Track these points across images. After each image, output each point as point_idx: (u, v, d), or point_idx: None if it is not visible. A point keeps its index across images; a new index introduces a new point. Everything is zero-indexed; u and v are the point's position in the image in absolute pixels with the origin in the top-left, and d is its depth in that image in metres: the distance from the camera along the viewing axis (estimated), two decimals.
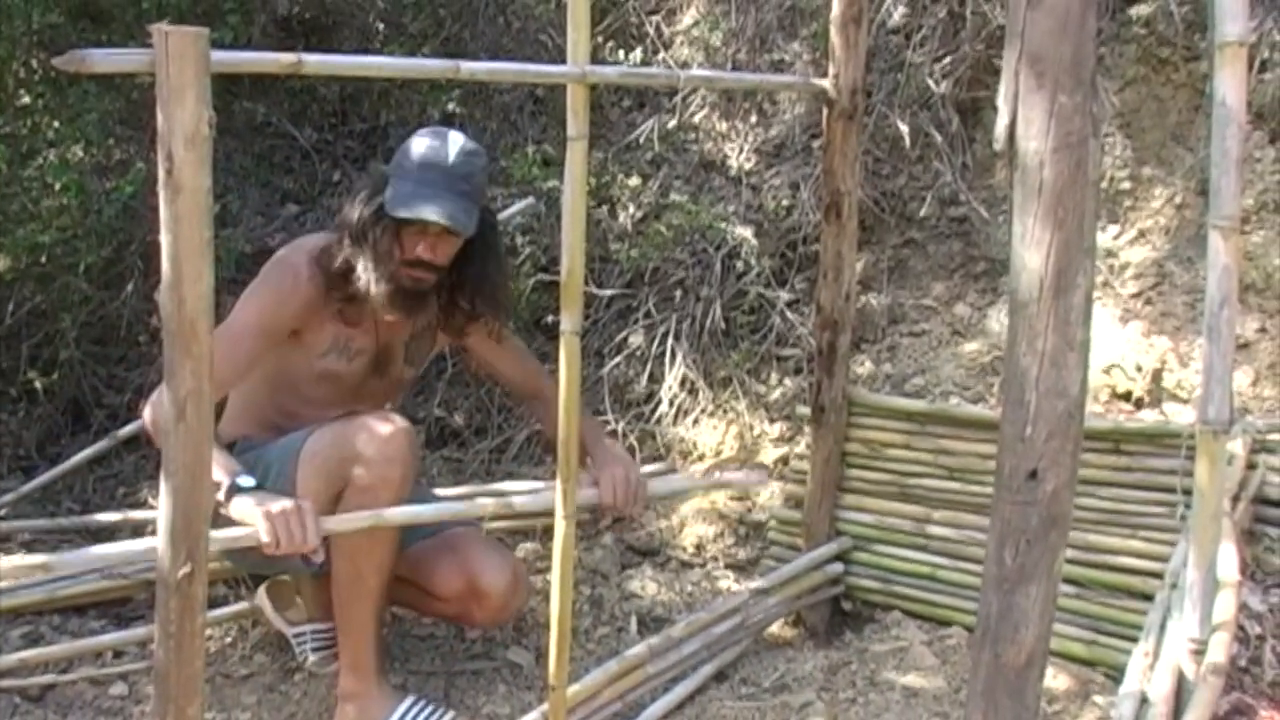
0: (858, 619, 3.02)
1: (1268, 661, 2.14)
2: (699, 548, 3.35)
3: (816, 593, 2.97)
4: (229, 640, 2.92)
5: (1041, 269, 1.47)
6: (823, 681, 2.68)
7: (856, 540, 3.01)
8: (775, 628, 2.98)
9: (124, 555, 2.18)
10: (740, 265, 3.79)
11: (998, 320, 3.47)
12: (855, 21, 2.67)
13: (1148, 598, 2.46)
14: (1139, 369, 3.12)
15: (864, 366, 3.56)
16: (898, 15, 3.87)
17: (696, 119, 4.19)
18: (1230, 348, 1.79)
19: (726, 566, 3.29)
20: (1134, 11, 3.63)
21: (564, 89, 1.99)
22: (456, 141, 2.43)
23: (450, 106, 4.32)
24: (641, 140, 4.12)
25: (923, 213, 3.77)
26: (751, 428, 3.60)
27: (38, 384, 3.85)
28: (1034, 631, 1.57)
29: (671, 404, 3.71)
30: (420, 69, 2.78)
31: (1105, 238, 3.47)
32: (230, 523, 2.50)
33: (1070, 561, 2.57)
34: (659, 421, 3.70)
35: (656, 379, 3.74)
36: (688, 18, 4.36)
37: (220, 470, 2.21)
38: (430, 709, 2.52)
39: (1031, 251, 1.48)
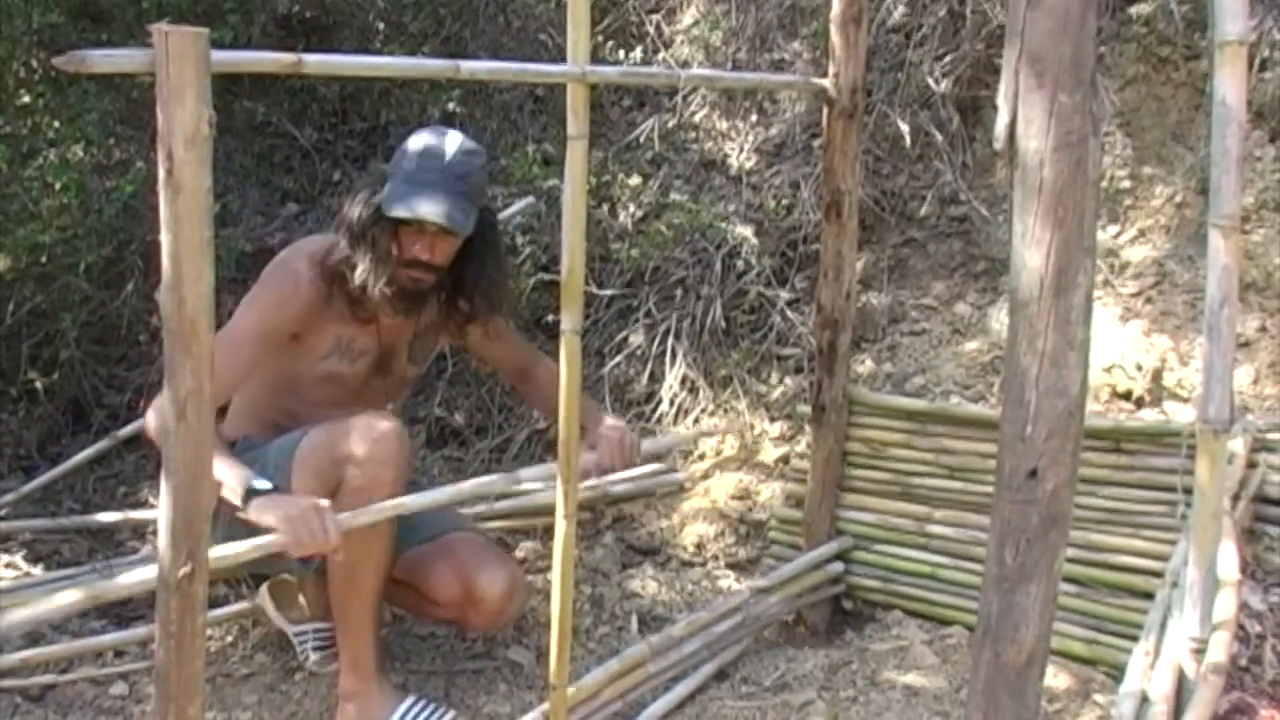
0: (858, 618, 3.02)
1: (1268, 660, 2.14)
2: (700, 547, 3.35)
3: (817, 592, 2.97)
4: (230, 640, 2.92)
5: (1042, 268, 1.47)
6: (823, 680, 2.68)
7: (857, 539, 3.01)
8: (776, 627, 2.98)
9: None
10: (741, 264, 3.79)
11: (998, 319, 3.47)
12: (855, 20, 2.66)
13: (1148, 596, 2.46)
14: (1139, 368, 3.12)
15: (864, 366, 3.56)
16: (898, 14, 3.87)
17: (697, 118, 4.19)
18: (1230, 346, 1.79)
19: (727, 565, 3.29)
20: (1134, 10, 3.64)
21: (564, 88, 1.99)
22: (455, 141, 2.43)
23: (450, 106, 4.32)
24: (642, 139, 4.12)
25: (923, 212, 3.77)
26: (752, 427, 3.60)
27: (38, 384, 3.85)
28: (1034, 631, 1.57)
29: (672, 403, 3.71)
30: (420, 69, 2.77)
31: (1105, 236, 3.47)
32: (236, 527, 2.52)
33: (1071, 560, 2.57)
34: (659, 421, 3.70)
35: (657, 378, 3.74)
36: (688, 17, 4.36)
37: (232, 475, 2.22)
38: (431, 708, 2.52)
39: (1032, 251, 1.48)
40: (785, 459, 3.46)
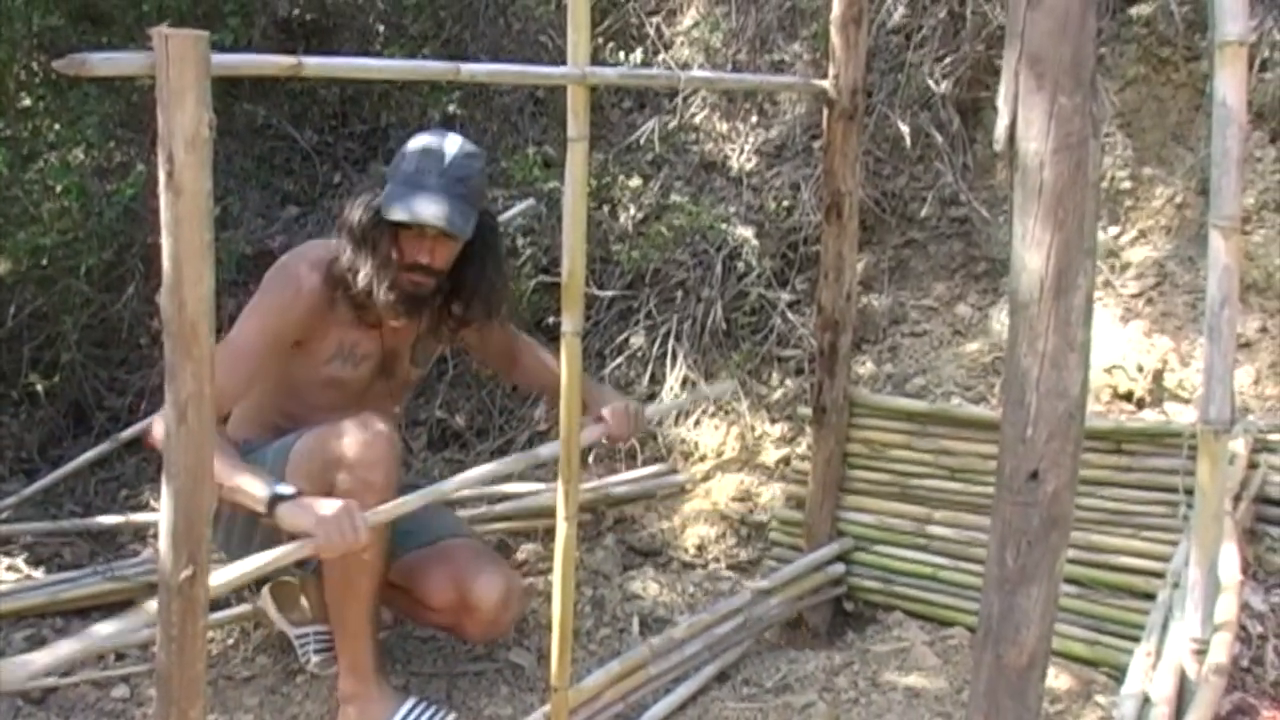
0: (859, 619, 3.02)
1: (1270, 661, 2.14)
2: (700, 549, 3.35)
3: (818, 593, 2.97)
4: (231, 642, 2.92)
5: (1042, 270, 1.47)
6: (825, 682, 2.68)
7: (858, 541, 3.01)
8: (777, 628, 2.98)
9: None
10: (741, 266, 3.79)
11: (999, 320, 3.47)
12: (855, 22, 2.66)
13: (1150, 597, 2.46)
14: (1140, 369, 3.12)
15: (865, 367, 3.56)
16: (898, 15, 3.87)
17: (697, 120, 4.19)
18: (1231, 347, 1.79)
19: (728, 567, 3.29)
20: (1134, 11, 3.64)
21: (564, 90, 1.99)
22: (454, 144, 2.43)
23: (451, 108, 4.33)
24: (642, 141, 4.12)
25: (923, 213, 3.77)
26: (753, 428, 3.60)
27: (39, 387, 3.86)
28: (1035, 632, 1.57)
29: None
30: (420, 71, 2.78)
31: (1106, 237, 3.47)
32: (235, 529, 2.52)
33: (1072, 561, 2.57)
34: (660, 423, 3.70)
35: (658, 380, 3.74)
36: (688, 19, 4.37)
37: (251, 481, 2.23)
38: (432, 710, 2.52)
39: (1032, 252, 1.48)
40: (786, 460, 3.46)
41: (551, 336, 3.61)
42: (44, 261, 3.65)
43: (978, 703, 1.63)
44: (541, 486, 3.40)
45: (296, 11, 4.52)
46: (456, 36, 4.42)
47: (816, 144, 3.85)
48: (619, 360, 3.79)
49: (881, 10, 3.85)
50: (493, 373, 3.42)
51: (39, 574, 3.18)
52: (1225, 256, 1.76)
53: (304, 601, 2.75)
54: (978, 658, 1.63)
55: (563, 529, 2.13)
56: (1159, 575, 2.48)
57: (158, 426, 2.29)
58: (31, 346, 3.84)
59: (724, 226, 3.82)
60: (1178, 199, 3.46)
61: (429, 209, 2.35)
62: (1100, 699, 2.52)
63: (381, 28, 4.55)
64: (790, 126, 4.04)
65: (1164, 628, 2.16)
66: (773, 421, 3.60)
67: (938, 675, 2.66)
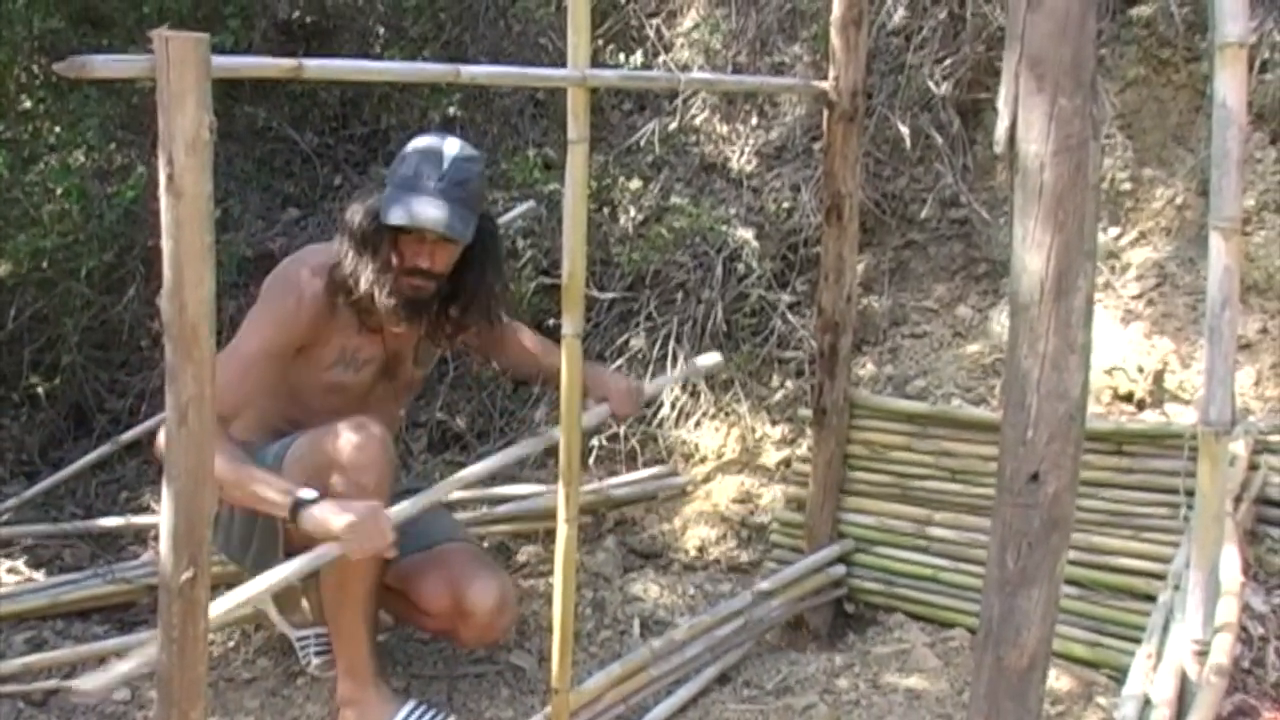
0: (860, 621, 3.02)
1: (1271, 663, 2.13)
2: (701, 550, 3.35)
3: (819, 595, 2.97)
4: (232, 644, 2.92)
5: (1042, 272, 1.47)
6: (825, 684, 2.68)
7: (858, 542, 3.01)
8: (778, 630, 2.98)
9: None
10: (741, 268, 3.79)
11: (999, 321, 3.47)
12: (855, 23, 2.67)
13: (1150, 599, 2.46)
14: (1140, 370, 3.11)
15: (865, 368, 3.56)
16: (898, 17, 3.87)
17: (697, 121, 4.19)
18: (1232, 349, 1.79)
19: (729, 569, 3.29)
20: (1134, 12, 3.64)
21: (565, 92, 1.99)
22: (453, 147, 2.42)
23: (451, 110, 4.33)
24: (642, 143, 4.13)
25: (924, 214, 3.78)
26: (753, 430, 3.60)
27: (40, 389, 3.86)
28: (1036, 634, 1.57)
29: (673, 407, 3.72)
30: (421, 73, 2.78)
31: (1106, 239, 3.47)
32: (249, 533, 2.52)
33: (1073, 563, 2.57)
34: (661, 424, 3.70)
35: None
36: (688, 20, 4.37)
37: (272, 488, 2.24)
38: (431, 713, 2.52)
39: (1032, 254, 1.48)
40: (786, 462, 3.46)
41: (552, 338, 3.61)
42: (44, 264, 3.65)
43: (978, 704, 1.63)
44: (542, 489, 3.40)
45: (297, 14, 4.52)
46: (456, 38, 4.42)
47: (817, 146, 3.86)
48: (620, 362, 3.78)
49: (882, 12, 3.86)
50: (484, 360, 3.42)
51: (40, 576, 3.18)
52: (1226, 258, 1.76)
53: (304, 604, 2.74)
54: (978, 659, 1.63)
55: (563, 531, 2.13)
56: (1160, 577, 2.47)
57: (162, 437, 2.30)
58: (32, 349, 3.84)
59: (724, 228, 3.82)
60: (1178, 200, 3.46)
61: (428, 213, 2.35)
62: (1101, 700, 2.52)
63: (381, 30, 4.55)
64: (790, 128, 4.04)
65: (1165, 629, 2.15)
66: (773, 423, 3.60)
67: (938, 677, 2.65)
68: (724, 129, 4.16)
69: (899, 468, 2.98)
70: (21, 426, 3.86)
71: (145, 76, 1.44)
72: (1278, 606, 2.31)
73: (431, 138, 2.46)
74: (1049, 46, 1.43)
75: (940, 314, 3.64)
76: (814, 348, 3.13)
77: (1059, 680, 2.57)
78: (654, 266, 3.83)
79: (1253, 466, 2.60)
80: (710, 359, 3.09)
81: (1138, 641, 2.25)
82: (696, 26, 4.30)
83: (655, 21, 4.33)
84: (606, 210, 4.00)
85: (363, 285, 2.41)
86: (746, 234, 3.82)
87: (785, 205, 3.89)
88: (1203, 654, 1.91)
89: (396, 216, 2.36)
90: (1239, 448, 2.59)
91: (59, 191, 3.66)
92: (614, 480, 3.53)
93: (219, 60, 1.49)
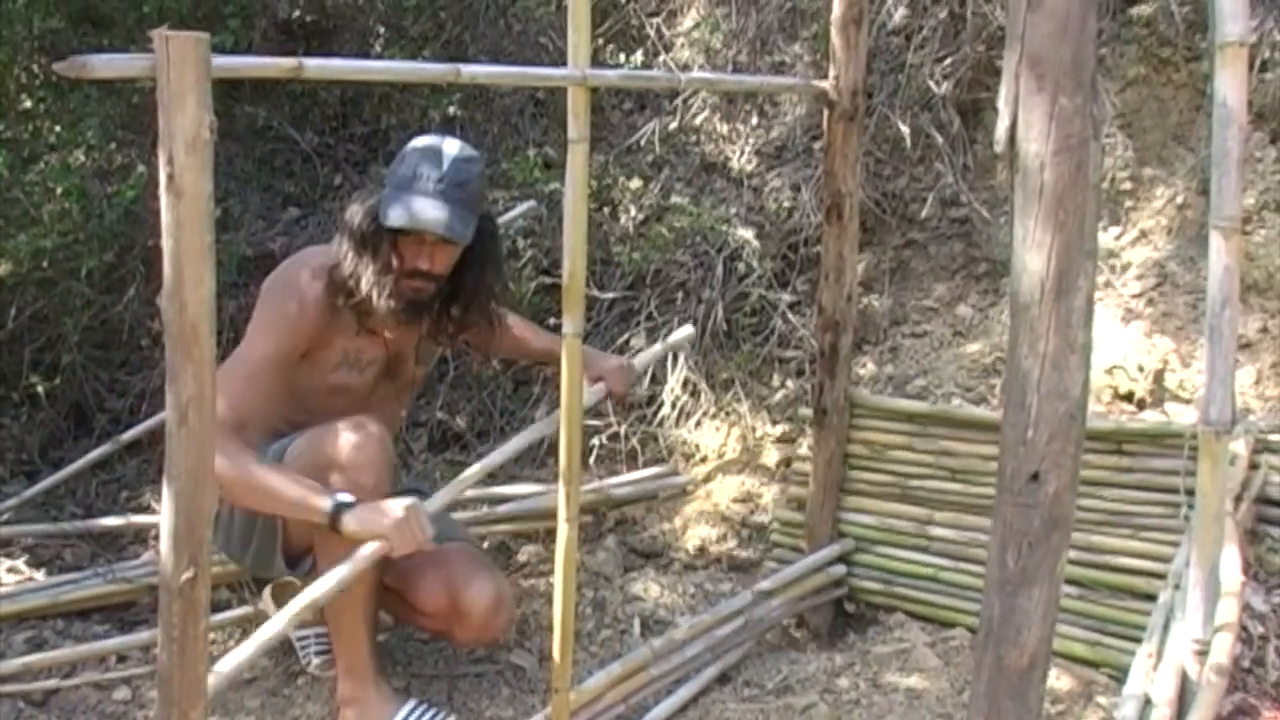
0: (860, 620, 3.02)
1: (1271, 662, 2.13)
2: (701, 550, 3.35)
3: (819, 594, 2.97)
4: (232, 644, 2.91)
5: (1043, 271, 1.47)
6: (826, 683, 2.68)
7: (859, 542, 3.01)
8: (778, 630, 2.97)
9: None
10: (742, 267, 3.79)
11: (999, 321, 3.47)
12: (856, 23, 2.66)
13: (1151, 598, 2.46)
14: (1141, 369, 3.11)
15: (866, 368, 3.56)
16: (898, 16, 3.87)
17: (697, 121, 4.19)
18: (1232, 348, 1.79)
19: (729, 569, 3.29)
20: (1135, 12, 3.64)
21: (565, 92, 1.99)
22: (452, 148, 2.42)
23: (451, 110, 4.33)
24: (643, 142, 4.12)
25: (924, 214, 3.78)
26: (754, 429, 3.60)
27: (40, 388, 3.86)
28: (1036, 634, 1.57)
29: (674, 406, 3.71)
30: (421, 72, 2.77)
31: (1107, 238, 3.47)
32: (249, 533, 2.52)
33: (1073, 562, 2.57)
34: (661, 424, 3.70)
35: (659, 381, 3.74)
36: (688, 20, 4.37)
37: (309, 495, 2.25)
38: (432, 712, 2.52)
39: (1032, 254, 1.48)
40: (787, 461, 3.46)
41: None
42: (45, 263, 3.65)
43: (979, 704, 1.63)
44: (542, 488, 3.40)
45: (297, 13, 4.52)
46: (457, 38, 4.42)
47: (817, 145, 3.86)
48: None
49: (882, 11, 3.86)
50: (484, 359, 3.44)
51: (40, 576, 3.18)
52: (1226, 257, 1.76)
53: None
54: (979, 659, 1.63)
55: (564, 531, 2.13)
56: (1160, 576, 2.48)
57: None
58: (32, 348, 3.84)
59: (724, 228, 3.82)
60: (1178, 199, 3.46)
61: (428, 214, 2.34)
62: (1101, 700, 2.52)
63: (381, 29, 4.55)
64: (791, 128, 4.04)
65: (1165, 629, 2.16)
66: (774, 423, 3.60)
67: (939, 676, 2.65)
68: (724, 128, 4.16)
69: (899, 467, 2.98)
70: (22, 426, 3.86)
71: (145, 76, 1.44)
72: (1278, 606, 2.31)
73: (431, 138, 2.46)
74: (1049, 46, 1.43)
75: (940, 313, 3.64)
76: (814, 347, 3.13)
77: (1059, 680, 2.57)
78: (654, 266, 3.83)
79: (1253, 466, 2.60)
80: (684, 332, 3.20)
81: (1138, 641, 2.25)
82: (697, 26, 4.30)
83: (655, 21, 4.33)
84: (607, 210, 4.00)
85: (363, 287, 2.40)
86: (747, 233, 3.82)
87: (785, 205, 3.89)
88: (1203, 653, 1.91)
89: (396, 218, 2.36)
90: (1239, 447, 2.59)
91: (59, 191, 3.66)
92: (614, 480, 3.53)
93: (219, 60, 1.49)
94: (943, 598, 2.89)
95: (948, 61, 3.77)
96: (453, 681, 2.78)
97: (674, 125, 4.14)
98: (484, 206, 2.62)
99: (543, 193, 3.89)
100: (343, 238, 2.44)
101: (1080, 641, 2.65)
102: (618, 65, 4.11)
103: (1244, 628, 2.15)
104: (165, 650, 1.62)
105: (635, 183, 4.07)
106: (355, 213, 2.43)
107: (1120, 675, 2.39)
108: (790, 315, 3.69)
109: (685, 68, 4.17)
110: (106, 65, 1.42)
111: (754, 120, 4.14)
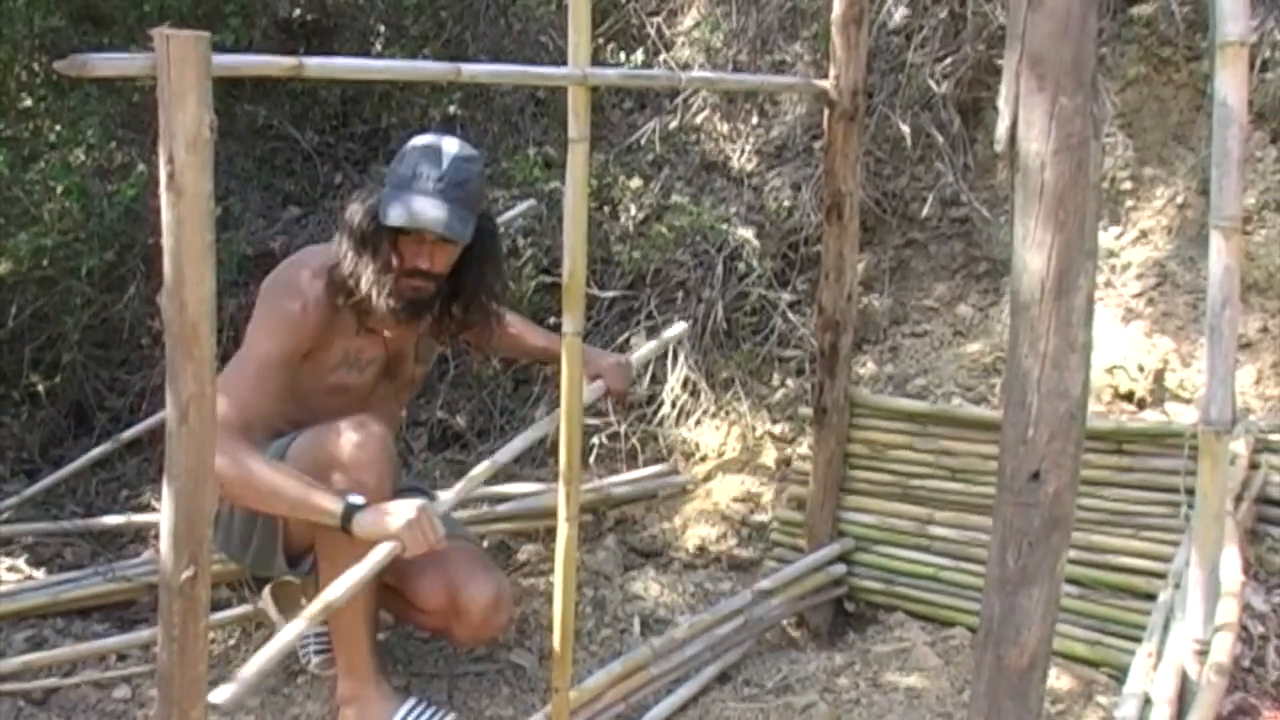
0: (860, 620, 3.02)
1: (1271, 662, 2.13)
2: (701, 549, 3.35)
3: (819, 594, 2.97)
4: (232, 643, 2.92)
5: (1043, 271, 1.47)
6: (826, 682, 2.68)
7: (859, 541, 3.01)
8: (778, 629, 2.98)
9: None
10: (742, 266, 3.79)
11: (1000, 320, 3.47)
12: (856, 22, 2.66)
13: (1151, 598, 2.46)
14: (1141, 369, 3.11)
15: (866, 367, 3.56)
16: (899, 16, 3.87)
17: (698, 120, 4.19)
18: (1232, 348, 1.79)
19: (729, 568, 3.29)
20: (1135, 11, 3.64)
21: (565, 91, 1.99)
22: (452, 147, 2.41)
23: (451, 109, 4.33)
24: (643, 142, 4.12)
25: (924, 213, 3.77)
26: (754, 429, 3.60)
27: (40, 387, 3.86)
28: (1037, 633, 1.57)
29: (674, 405, 3.71)
30: (421, 71, 2.77)
31: (1107, 238, 3.47)
32: (249, 532, 2.52)
33: (1073, 562, 2.57)
34: (661, 423, 3.70)
35: (659, 380, 3.74)
36: (689, 19, 4.37)
37: (319, 497, 2.26)
38: (431, 711, 2.52)
39: (1033, 253, 1.48)
40: (787, 461, 3.46)
41: None
42: (45, 262, 3.65)
43: (979, 703, 1.63)
44: (542, 487, 3.40)
45: (297, 12, 4.52)
46: (457, 37, 4.42)
47: (817, 144, 3.85)
48: None
49: (882, 11, 3.85)
50: (483, 359, 3.45)
51: (40, 574, 3.18)
52: (1226, 257, 1.76)
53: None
54: (979, 658, 1.63)
55: (564, 530, 2.13)
56: (1160, 576, 2.48)
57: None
58: (33, 347, 3.84)
59: (725, 227, 3.82)
60: (1179, 199, 3.46)
61: (428, 214, 2.34)
62: (1101, 699, 2.52)
63: (382, 28, 4.55)
64: (791, 127, 4.04)
65: (1165, 628, 2.16)
66: (774, 422, 3.60)
67: (939, 676, 2.66)
68: (724, 128, 4.16)
69: (899, 467, 2.98)
70: (22, 425, 3.86)
71: (146, 75, 1.44)
72: (1278, 606, 2.31)
73: (431, 137, 2.45)
74: (1050, 46, 1.43)
75: (941, 313, 3.64)
76: (814, 346, 3.13)
77: (1059, 679, 2.57)
78: (654, 265, 3.83)
79: (1253, 465, 2.60)
80: (678, 328, 3.25)
81: (1138, 640, 2.25)
82: (697, 25, 4.30)
83: (656, 20, 4.33)
84: (607, 209, 4.00)
85: (363, 286, 2.40)
86: (747, 233, 3.82)
87: (786, 204, 3.89)
88: (1203, 653, 1.91)
89: (396, 217, 2.36)
90: (1240, 447, 2.59)
91: (59, 190, 3.66)
92: (614, 479, 3.53)
93: (219, 58, 1.49)
94: (943, 597, 2.89)
95: (948, 61, 3.77)
96: (453, 680, 2.78)
97: (674, 124, 4.14)
98: (484, 205, 2.62)
99: (543, 192, 3.89)
100: (342, 237, 2.43)
101: (1080, 641, 2.65)
102: (618, 64, 4.11)
103: (1244, 627, 2.15)
104: (165, 649, 1.62)
105: (635, 182, 4.07)
106: (355, 212, 2.42)
107: (1120, 675, 2.39)
108: (790, 314, 3.69)
109: (685, 67, 4.17)
110: (107, 64, 1.42)
111: (754, 119, 4.14)
